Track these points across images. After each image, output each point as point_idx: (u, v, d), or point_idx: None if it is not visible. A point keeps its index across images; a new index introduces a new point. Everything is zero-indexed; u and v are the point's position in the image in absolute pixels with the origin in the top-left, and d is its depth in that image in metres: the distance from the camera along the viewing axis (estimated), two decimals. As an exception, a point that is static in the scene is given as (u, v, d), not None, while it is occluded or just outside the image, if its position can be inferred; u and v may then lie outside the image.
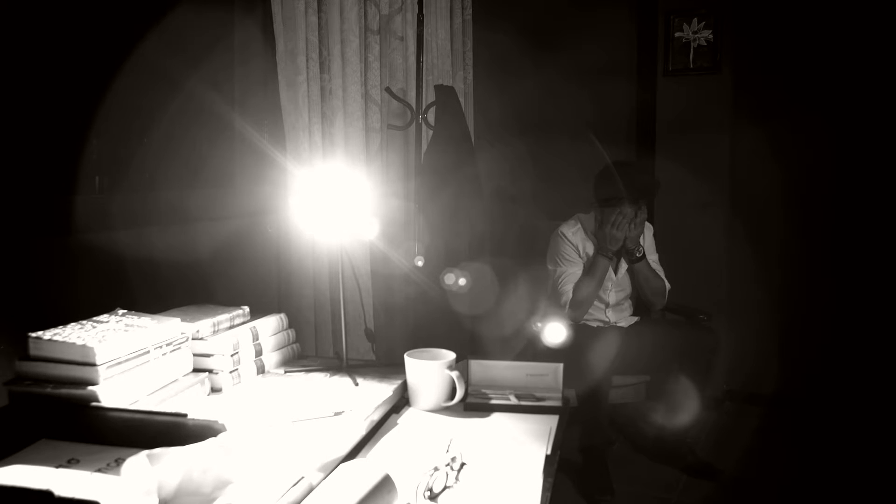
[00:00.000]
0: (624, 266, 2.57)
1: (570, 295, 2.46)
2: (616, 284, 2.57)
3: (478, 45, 3.10)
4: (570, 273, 2.50)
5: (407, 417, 1.33)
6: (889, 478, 2.39)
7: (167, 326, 1.28)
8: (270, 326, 1.52)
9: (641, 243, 2.53)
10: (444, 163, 2.60)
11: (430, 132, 2.65)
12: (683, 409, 2.44)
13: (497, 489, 1.04)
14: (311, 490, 0.95)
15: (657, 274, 2.57)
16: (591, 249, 2.52)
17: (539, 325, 2.35)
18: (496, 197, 3.28)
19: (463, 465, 1.11)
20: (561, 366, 1.43)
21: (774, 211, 3.04)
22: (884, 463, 2.49)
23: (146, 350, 1.21)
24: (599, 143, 2.82)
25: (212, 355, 1.35)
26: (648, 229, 2.62)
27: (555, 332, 2.27)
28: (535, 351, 2.38)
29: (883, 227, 2.83)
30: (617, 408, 2.61)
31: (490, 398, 1.39)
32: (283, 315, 1.57)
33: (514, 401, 1.38)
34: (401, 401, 1.39)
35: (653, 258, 2.60)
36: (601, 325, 2.55)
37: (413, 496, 1.00)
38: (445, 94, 2.67)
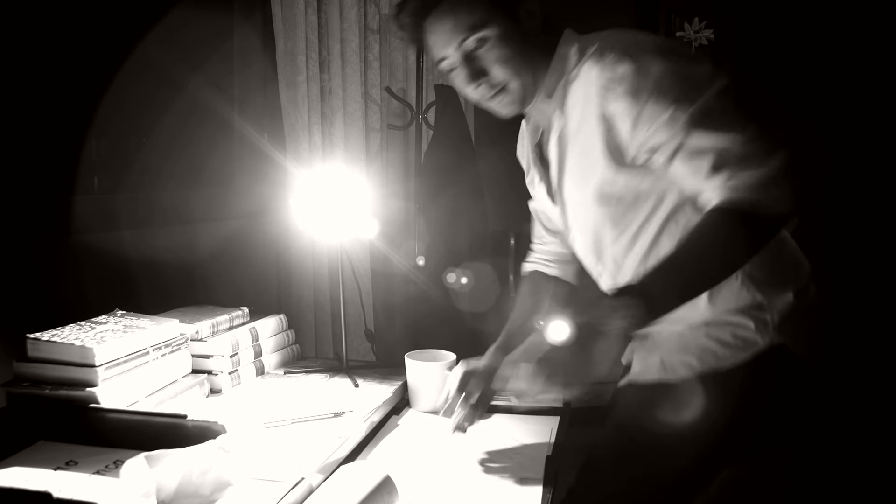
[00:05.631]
0: None
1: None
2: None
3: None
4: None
5: (407, 419, 1.32)
6: (888, 477, 2.39)
7: (166, 327, 1.28)
8: (270, 327, 1.52)
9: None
10: (445, 163, 2.59)
11: (431, 132, 2.65)
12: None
13: (497, 490, 1.04)
14: (311, 492, 0.95)
15: None
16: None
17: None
18: (496, 197, 3.27)
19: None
20: (561, 366, 1.41)
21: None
22: (882, 462, 2.49)
23: (145, 351, 1.21)
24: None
25: (211, 356, 1.35)
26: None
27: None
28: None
29: (881, 228, 2.83)
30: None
31: (490, 399, 1.39)
32: (282, 316, 1.57)
33: (514, 401, 1.38)
34: (401, 402, 1.39)
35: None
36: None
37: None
38: (446, 94, 2.66)
